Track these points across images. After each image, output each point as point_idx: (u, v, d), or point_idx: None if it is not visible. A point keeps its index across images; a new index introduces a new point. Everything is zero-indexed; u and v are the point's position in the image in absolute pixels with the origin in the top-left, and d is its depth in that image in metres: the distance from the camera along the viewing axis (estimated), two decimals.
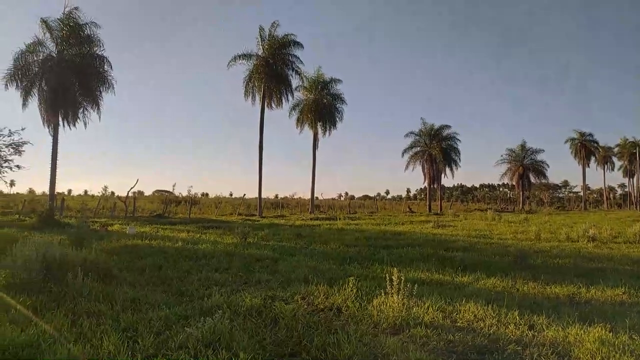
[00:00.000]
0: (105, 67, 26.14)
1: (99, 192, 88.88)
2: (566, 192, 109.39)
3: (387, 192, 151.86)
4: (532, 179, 55.98)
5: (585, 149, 61.06)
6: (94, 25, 25.55)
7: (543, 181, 60.86)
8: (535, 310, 5.34)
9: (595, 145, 62.57)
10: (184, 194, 43.40)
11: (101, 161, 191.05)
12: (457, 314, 5.17)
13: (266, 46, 32.80)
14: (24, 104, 24.96)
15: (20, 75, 24.59)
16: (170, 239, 12.88)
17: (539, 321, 4.88)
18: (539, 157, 55.17)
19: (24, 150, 23.70)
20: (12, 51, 24.48)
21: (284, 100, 34.36)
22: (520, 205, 54.39)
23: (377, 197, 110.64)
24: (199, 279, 7.27)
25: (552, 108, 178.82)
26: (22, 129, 23.45)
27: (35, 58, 25.16)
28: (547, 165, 54.93)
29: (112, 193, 76.32)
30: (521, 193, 56.60)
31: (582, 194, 73.16)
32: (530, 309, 5.40)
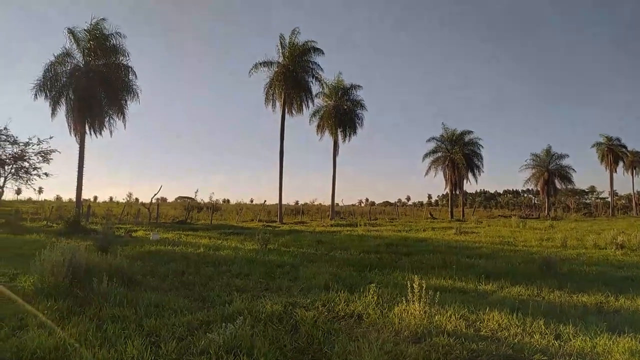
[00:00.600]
0: (131, 76, 26.76)
1: (123, 199, 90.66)
2: (593, 198, 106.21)
3: (408, 198, 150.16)
4: (558, 185, 54.48)
5: (613, 153, 59.29)
6: (119, 35, 26.19)
7: (569, 187, 59.09)
8: (561, 319, 5.20)
9: (624, 150, 60.72)
10: (206, 200, 43.85)
11: (126, 168, 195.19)
12: (480, 323, 5.08)
13: (287, 53, 32.97)
14: (53, 114, 25.74)
15: (49, 86, 25.32)
16: (192, 245, 13.05)
17: (566, 330, 4.75)
18: (565, 162, 53.80)
19: (52, 158, 24.74)
20: (43, 62, 25.37)
21: (304, 107, 34.43)
22: (546, 212, 52.99)
23: (398, 203, 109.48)
24: (220, 284, 7.34)
25: (578, 111, 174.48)
26: (50, 138, 24.52)
27: (64, 68, 25.88)
28: (574, 170, 53.61)
29: (137, 200, 77.73)
30: (546, 199, 55.16)
31: (609, 199, 71.02)
32: (557, 318, 5.27)
